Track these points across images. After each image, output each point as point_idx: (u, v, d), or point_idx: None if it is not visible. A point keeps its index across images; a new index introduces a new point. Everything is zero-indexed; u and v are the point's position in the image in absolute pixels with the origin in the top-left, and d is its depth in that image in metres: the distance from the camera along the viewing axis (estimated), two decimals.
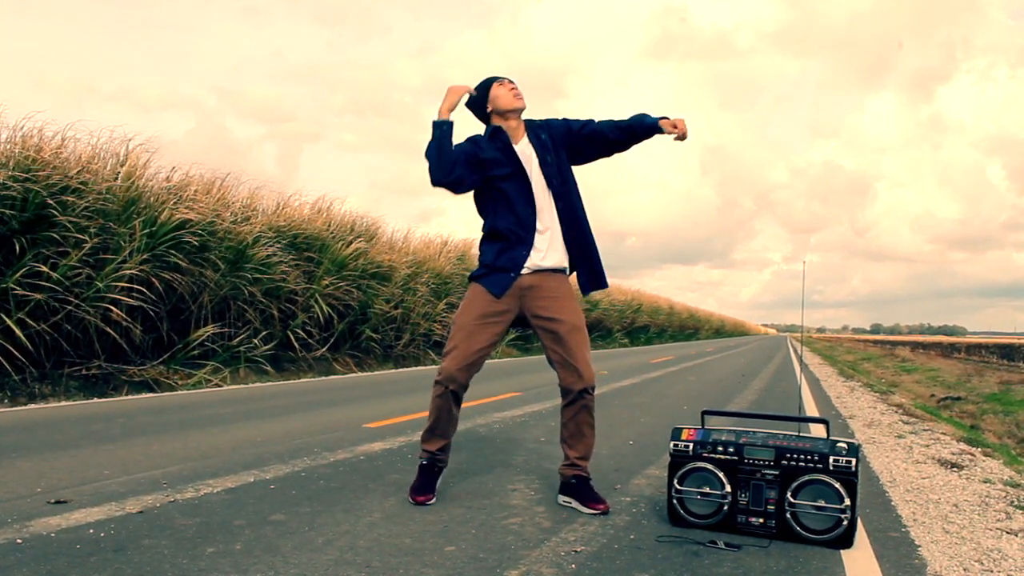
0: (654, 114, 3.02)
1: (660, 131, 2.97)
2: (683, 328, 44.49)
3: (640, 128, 3.00)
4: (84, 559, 2.28)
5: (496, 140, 3.02)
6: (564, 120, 3.10)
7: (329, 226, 11.15)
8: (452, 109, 2.92)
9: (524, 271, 2.97)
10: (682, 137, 2.94)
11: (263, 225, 9.63)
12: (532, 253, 2.97)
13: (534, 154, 3.00)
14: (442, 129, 2.90)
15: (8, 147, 6.84)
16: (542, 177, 2.98)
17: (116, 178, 7.58)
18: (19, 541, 2.43)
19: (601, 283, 3.09)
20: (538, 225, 2.97)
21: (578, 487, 3.02)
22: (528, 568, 2.33)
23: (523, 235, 2.97)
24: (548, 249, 2.98)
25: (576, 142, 3.06)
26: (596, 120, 3.08)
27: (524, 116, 3.08)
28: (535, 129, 3.05)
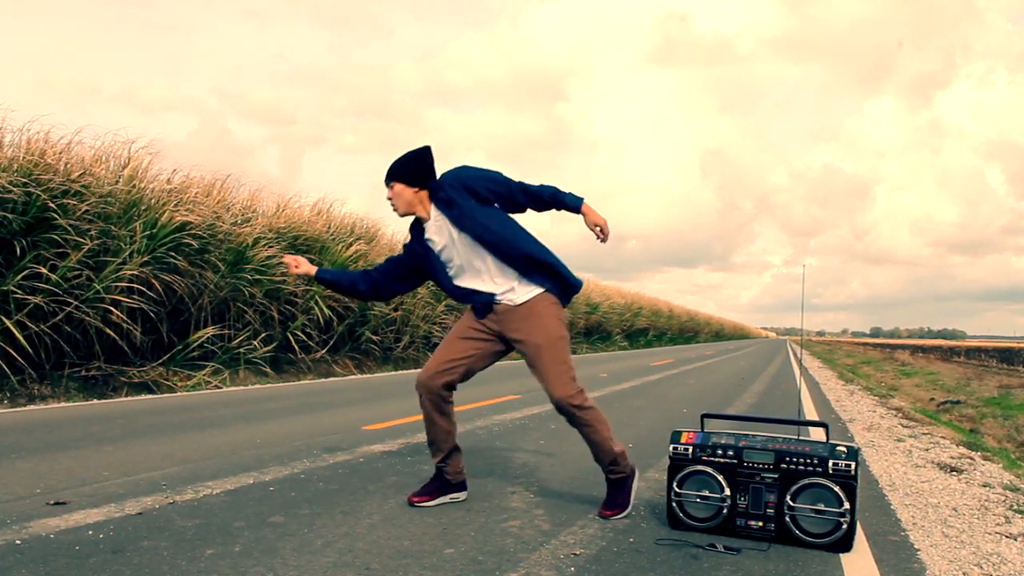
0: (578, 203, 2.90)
1: (578, 212, 2.92)
2: (682, 331, 44.49)
3: (552, 204, 2.93)
4: (83, 560, 2.28)
5: (416, 229, 3.03)
6: (459, 175, 2.93)
7: (329, 228, 11.16)
8: (308, 270, 3.14)
9: (497, 305, 2.95)
10: (601, 238, 2.92)
11: (263, 227, 9.64)
12: (497, 296, 2.94)
13: (446, 217, 2.92)
14: (322, 283, 3.23)
15: (13, 151, 6.86)
16: (462, 234, 2.91)
17: (118, 181, 7.60)
18: (18, 542, 2.43)
19: (571, 291, 2.99)
20: (485, 278, 2.94)
21: (607, 489, 3.05)
22: (527, 571, 2.33)
23: (479, 290, 2.96)
24: (508, 290, 2.92)
25: (494, 201, 2.94)
26: (502, 178, 2.93)
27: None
28: (435, 192, 2.94)
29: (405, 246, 3.10)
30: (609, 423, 2.97)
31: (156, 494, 3.11)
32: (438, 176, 2.97)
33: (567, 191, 2.94)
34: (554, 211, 3.00)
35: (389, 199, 2.97)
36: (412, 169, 2.93)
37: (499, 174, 2.95)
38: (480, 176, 2.92)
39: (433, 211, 2.95)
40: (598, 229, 2.91)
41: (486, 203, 2.90)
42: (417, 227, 3.02)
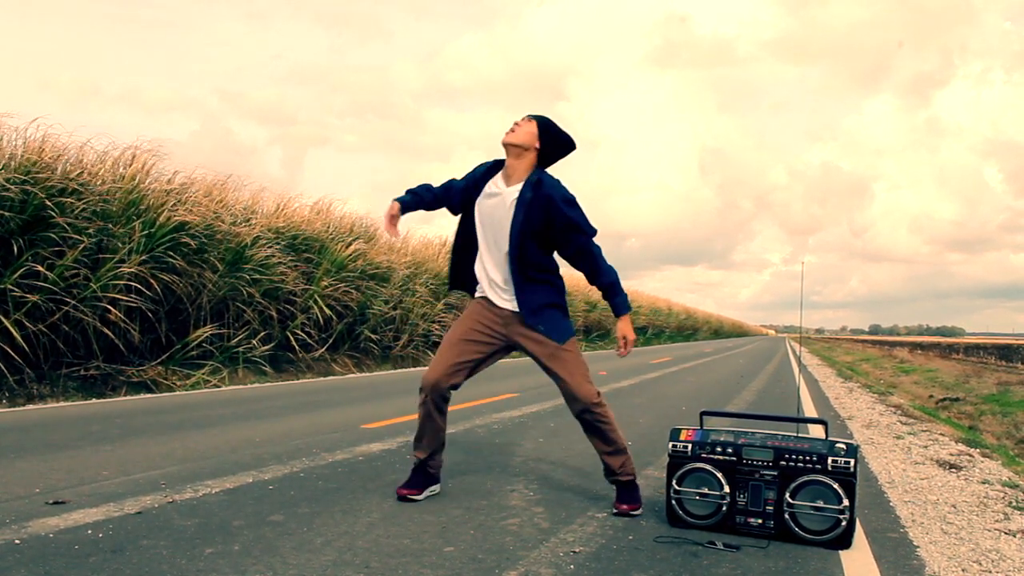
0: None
1: (616, 316, 2.98)
2: (681, 329, 44.50)
3: (600, 287, 2.99)
4: (82, 560, 2.28)
5: (492, 172, 2.99)
6: (564, 200, 2.85)
7: (328, 227, 11.15)
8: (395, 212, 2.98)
9: (501, 309, 2.97)
10: (622, 350, 2.98)
11: (262, 226, 9.63)
12: (502, 297, 2.95)
13: (514, 204, 2.86)
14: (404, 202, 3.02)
15: (16, 149, 6.86)
16: (504, 229, 2.88)
17: (120, 180, 7.60)
18: (17, 542, 2.43)
19: (562, 336, 2.94)
20: (492, 275, 2.96)
21: (617, 490, 3.06)
22: (527, 569, 2.33)
23: (484, 279, 2.99)
24: (512, 299, 2.92)
25: (552, 233, 2.88)
26: (587, 238, 2.90)
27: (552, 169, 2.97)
28: (533, 185, 2.85)
29: (466, 182, 3.03)
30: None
31: (155, 493, 3.11)
32: (551, 172, 2.92)
33: (622, 291, 2.97)
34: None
35: (516, 124, 2.90)
36: (553, 135, 2.91)
37: (586, 227, 2.89)
38: (574, 217, 2.86)
39: (517, 186, 2.89)
40: (623, 341, 2.97)
41: (552, 230, 2.86)
42: (486, 176, 2.97)
